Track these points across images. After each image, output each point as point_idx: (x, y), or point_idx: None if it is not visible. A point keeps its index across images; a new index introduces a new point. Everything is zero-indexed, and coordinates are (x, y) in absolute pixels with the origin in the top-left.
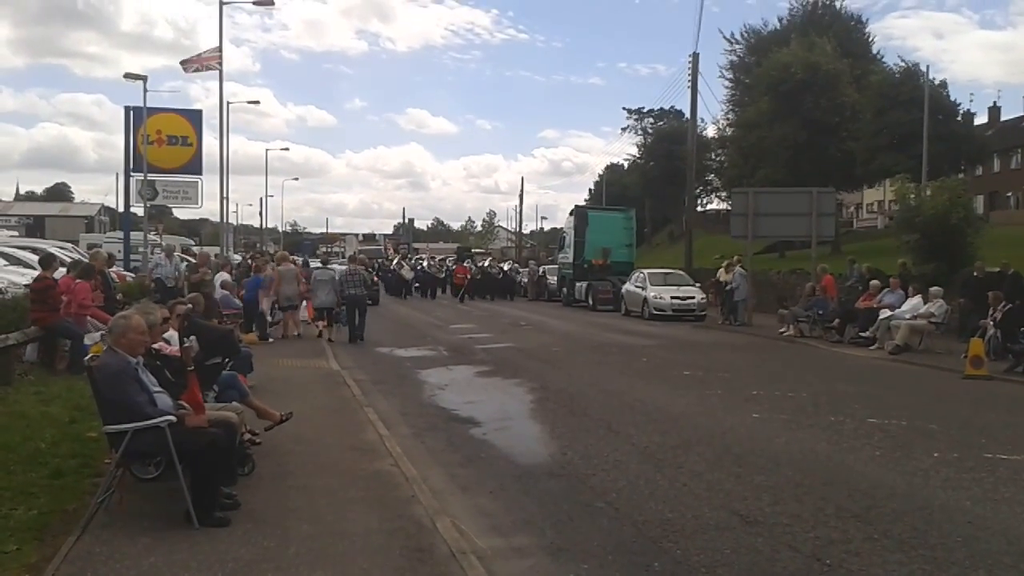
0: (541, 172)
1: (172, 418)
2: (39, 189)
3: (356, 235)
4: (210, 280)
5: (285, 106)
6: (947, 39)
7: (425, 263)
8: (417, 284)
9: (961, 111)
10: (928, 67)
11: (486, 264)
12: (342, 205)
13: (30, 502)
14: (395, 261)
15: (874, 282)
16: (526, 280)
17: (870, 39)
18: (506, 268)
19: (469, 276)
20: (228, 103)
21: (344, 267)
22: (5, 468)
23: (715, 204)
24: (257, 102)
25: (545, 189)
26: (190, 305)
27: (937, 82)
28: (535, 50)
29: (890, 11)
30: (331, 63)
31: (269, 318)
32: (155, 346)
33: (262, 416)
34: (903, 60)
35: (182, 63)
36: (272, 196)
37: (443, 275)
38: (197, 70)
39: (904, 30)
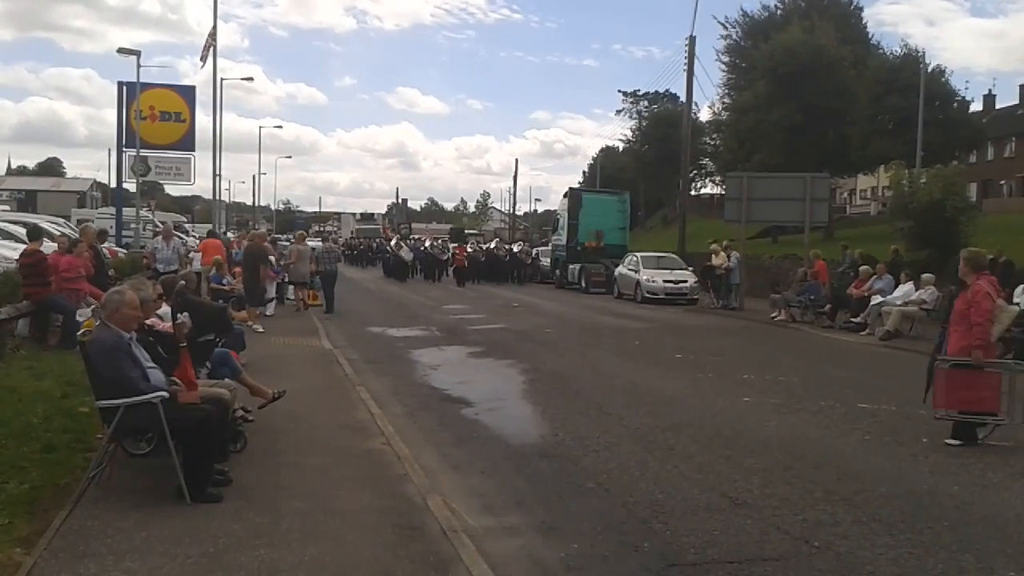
0: (533, 154)
1: (165, 394)
2: (31, 164)
3: (353, 214)
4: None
5: (275, 83)
6: (938, 26)
7: (427, 244)
8: (420, 267)
9: (957, 98)
10: (924, 52)
11: (492, 245)
12: (333, 184)
13: (22, 476)
14: (393, 242)
15: (864, 268)
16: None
17: (866, 25)
18: (515, 250)
19: (467, 257)
20: (222, 79)
21: (320, 244)
22: None
23: (709, 188)
24: (251, 79)
25: (537, 171)
26: (183, 281)
27: (936, 69)
28: (529, 30)
29: None
30: (320, 40)
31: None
32: (148, 322)
33: (255, 394)
34: (906, 44)
35: (201, 59)
36: (265, 174)
37: (446, 257)
38: (206, 56)
39: (896, 16)
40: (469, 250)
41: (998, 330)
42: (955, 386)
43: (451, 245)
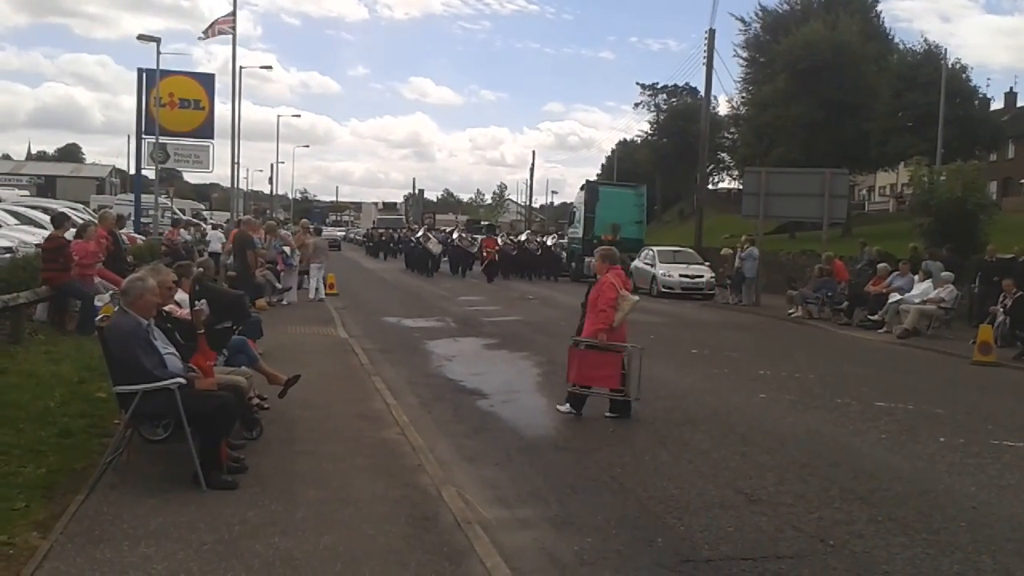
0: (547, 146)
1: (182, 380)
2: (49, 149)
3: (375, 203)
4: None
5: (288, 71)
6: (954, 22)
7: (455, 235)
8: (447, 259)
9: (978, 96)
10: (946, 49)
11: (523, 238)
12: (348, 173)
13: (39, 460)
14: (420, 232)
15: (882, 265)
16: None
17: (885, 21)
18: (549, 243)
19: (498, 251)
20: (241, 67)
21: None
22: (15, 426)
23: (727, 183)
24: (269, 67)
25: (552, 163)
26: (201, 269)
27: (957, 66)
28: (544, 21)
29: None
30: (333, 29)
31: (278, 285)
32: (166, 308)
33: (271, 381)
34: (927, 40)
35: (201, 36)
36: (283, 163)
37: (475, 249)
38: (212, 35)
39: (911, 12)
40: (500, 243)
41: (619, 317)
42: (584, 364)
43: (477, 237)
